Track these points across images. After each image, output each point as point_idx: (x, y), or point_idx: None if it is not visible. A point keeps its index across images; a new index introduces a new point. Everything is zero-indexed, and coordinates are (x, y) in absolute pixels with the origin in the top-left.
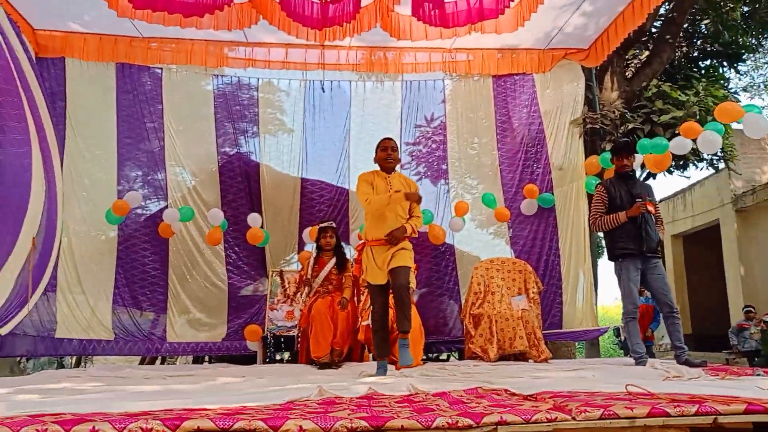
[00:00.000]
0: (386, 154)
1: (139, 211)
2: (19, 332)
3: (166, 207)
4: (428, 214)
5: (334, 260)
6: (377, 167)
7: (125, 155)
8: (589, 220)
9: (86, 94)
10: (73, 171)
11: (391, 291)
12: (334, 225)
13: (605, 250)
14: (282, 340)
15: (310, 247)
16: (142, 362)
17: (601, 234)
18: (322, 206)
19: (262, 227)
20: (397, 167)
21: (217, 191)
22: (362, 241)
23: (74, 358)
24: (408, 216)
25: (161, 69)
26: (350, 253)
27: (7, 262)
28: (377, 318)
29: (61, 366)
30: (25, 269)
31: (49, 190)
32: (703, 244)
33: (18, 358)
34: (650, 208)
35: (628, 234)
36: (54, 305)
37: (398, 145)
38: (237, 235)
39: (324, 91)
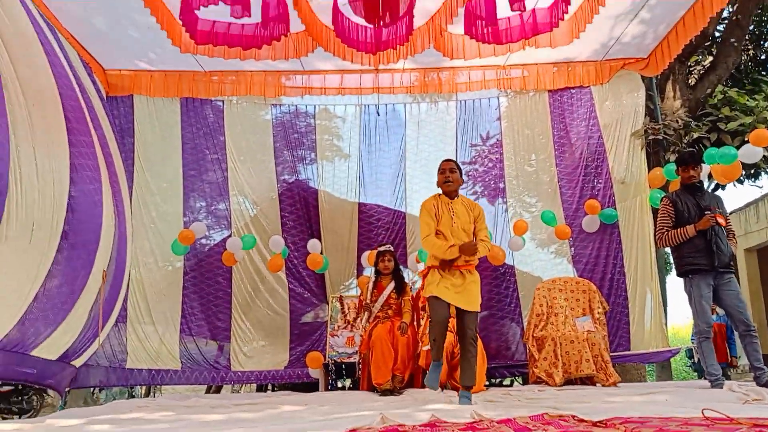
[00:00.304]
0: (444, 177)
1: (203, 241)
2: (92, 363)
3: (230, 236)
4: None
5: (392, 284)
6: (439, 191)
7: (190, 187)
8: (655, 235)
9: (153, 129)
10: (141, 204)
11: (456, 335)
12: (391, 248)
13: (673, 266)
14: (343, 366)
15: (369, 272)
16: (207, 391)
17: (668, 249)
18: (380, 230)
19: (321, 253)
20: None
21: (277, 219)
22: (425, 268)
23: (144, 387)
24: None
25: (222, 102)
26: (409, 276)
27: (81, 295)
28: (437, 332)
29: (131, 396)
30: (97, 302)
31: (119, 224)
32: None
33: (91, 389)
34: (720, 220)
35: (697, 249)
36: (125, 336)
37: (459, 166)
38: (297, 262)
39: (379, 115)
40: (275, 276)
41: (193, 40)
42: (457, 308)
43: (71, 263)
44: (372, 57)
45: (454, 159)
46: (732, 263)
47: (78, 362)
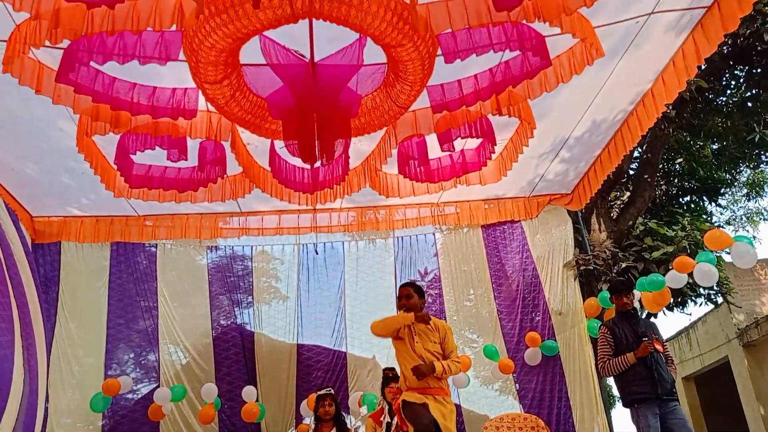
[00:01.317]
0: (400, 303)
1: (128, 395)
2: None
3: (158, 386)
4: None
5: (334, 431)
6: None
7: (116, 336)
8: (596, 365)
9: (78, 276)
10: (61, 358)
11: None
12: (332, 392)
13: (618, 399)
14: None
15: (309, 420)
16: None
17: (611, 381)
18: (320, 372)
19: (257, 401)
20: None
21: (211, 366)
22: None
23: None
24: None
25: (156, 246)
26: (350, 422)
27: None
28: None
29: None
30: None
31: (30, 381)
32: (716, 384)
33: None
34: (658, 346)
35: (640, 377)
36: None
37: (418, 288)
38: (231, 413)
39: (317, 253)
40: (207, 427)
41: (128, 184)
42: None
43: None
44: (309, 197)
45: (411, 283)
46: (674, 390)
47: None
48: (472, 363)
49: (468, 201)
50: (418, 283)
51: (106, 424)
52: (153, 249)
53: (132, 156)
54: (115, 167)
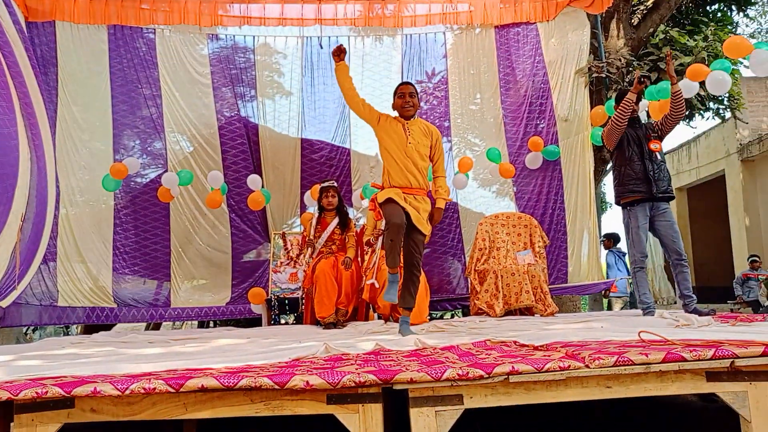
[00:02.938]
0: (403, 101)
1: (137, 179)
2: (21, 302)
3: (166, 171)
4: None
5: (336, 220)
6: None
7: (122, 122)
8: (602, 139)
9: (78, 59)
10: (67, 139)
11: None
12: (335, 184)
13: (609, 206)
14: (286, 302)
15: (312, 209)
16: (147, 328)
17: (606, 189)
18: (323, 166)
19: (262, 188)
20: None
21: (217, 155)
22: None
23: (80, 327)
24: (431, 169)
25: (154, 31)
26: (353, 213)
27: (2, 234)
28: (394, 233)
29: (66, 335)
30: (20, 241)
31: (37, 160)
32: (707, 196)
33: (24, 329)
34: (656, 145)
35: (638, 176)
36: (54, 275)
37: (417, 90)
38: (239, 199)
39: (322, 47)
40: (215, 213)
41: None
42: (407, 227)
43: None
44: None
45: (411, 83)
46: (670, 190)
47: (4, 303)
48: (473, 164)
49: None
50: (423, 84)
51: (119, 203)
52: (151, 35)
53: None
54: None
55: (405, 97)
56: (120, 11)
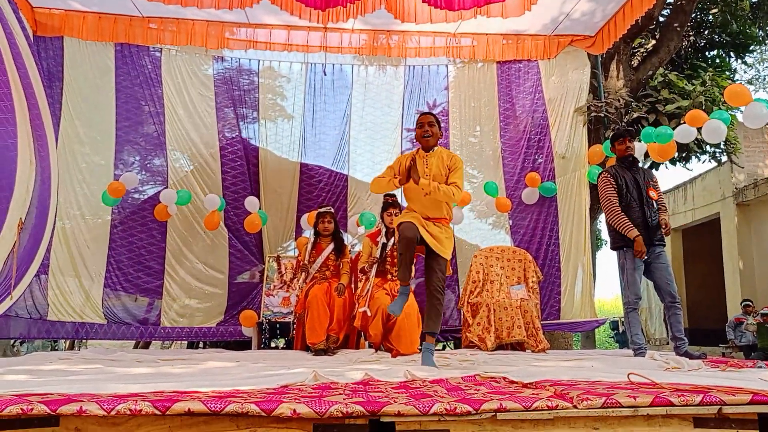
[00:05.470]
0: (423, 130)
1: (136, 195)
2: (11, 314)
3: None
4: None
5: (332, 246)
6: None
7: (124, 138)
8: (593, 208)
9: (84, 74)
10: (68, 153)
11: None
12: (332, 210)
13: (604, 242)
14: (277, 326)
15: (308, 234)
16: (135, 346)
17: (600, 226)
18: (321, 192)
19: (260, 210)
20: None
21: (216, 175)
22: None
23: (68, 341)
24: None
25: (160, 51)
26: (348, 240)
27: None
28: (404, 246)
29: (54, 350)
30: (13, 252)
31: (41, 171)
32: (702, 238)
33: (11, 342)
34: (654, 194)
35: (636, 222)
36: (45, 288)
37: (438, 119)
38: (237, 220)
39: (326, 74)
40: (213, 232)
41: None
42: (426, 251)
43: None
44: (320, 13)
45: (431, 113)
46: (663, 235)
47: None
48: (470, 199)
49: (486, 34)
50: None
51: (115, 218)
52: (157, 54)
53: None
54: None
55: (424, 126)
56: (128, 30)
